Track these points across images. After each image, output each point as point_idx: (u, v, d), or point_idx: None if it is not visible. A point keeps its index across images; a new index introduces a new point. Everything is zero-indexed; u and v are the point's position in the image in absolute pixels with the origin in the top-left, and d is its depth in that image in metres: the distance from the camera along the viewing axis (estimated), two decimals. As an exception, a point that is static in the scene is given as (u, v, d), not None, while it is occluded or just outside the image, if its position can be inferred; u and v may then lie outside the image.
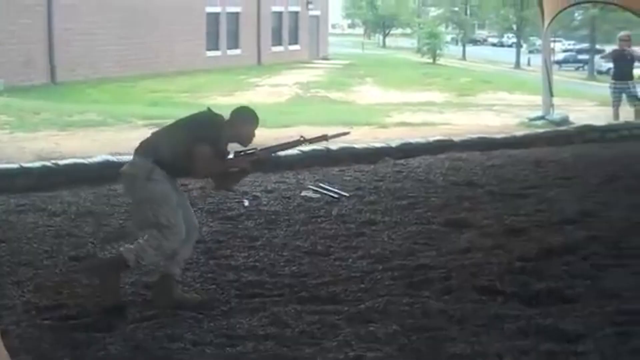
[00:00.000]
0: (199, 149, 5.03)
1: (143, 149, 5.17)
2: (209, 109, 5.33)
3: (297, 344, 4.52)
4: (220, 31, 37.62)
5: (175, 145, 5.08)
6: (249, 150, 5.34)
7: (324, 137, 5.48)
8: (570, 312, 4.95)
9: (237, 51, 38.71)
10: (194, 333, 4.69)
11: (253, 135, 5.30)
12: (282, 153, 5.76)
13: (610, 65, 17.76)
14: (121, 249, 5.29)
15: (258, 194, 8.44)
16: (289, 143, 5.53)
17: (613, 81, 14.66)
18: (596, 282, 5.54)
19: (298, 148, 10.05)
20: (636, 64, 15.34)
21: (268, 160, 5.52)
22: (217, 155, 5.15)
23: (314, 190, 8.60)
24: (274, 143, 5.58)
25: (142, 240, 5.11)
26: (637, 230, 6.92)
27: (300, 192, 8.54)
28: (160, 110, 16.39)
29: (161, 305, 5.09)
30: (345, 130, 7.17)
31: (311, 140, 5.57)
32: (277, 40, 42.77)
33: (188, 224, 5.22)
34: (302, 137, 5.53)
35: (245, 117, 5.33)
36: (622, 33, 15.64)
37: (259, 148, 5.35)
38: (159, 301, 5.16)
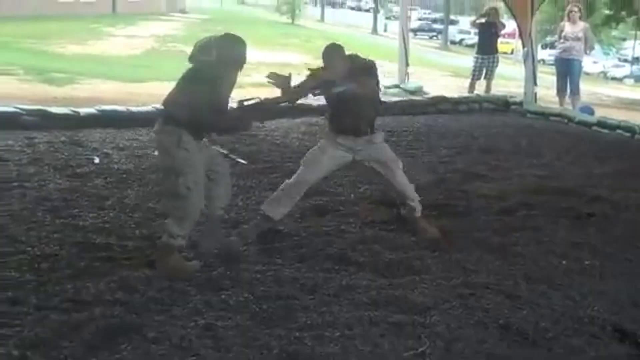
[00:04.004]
0: None
1: None
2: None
3: (145, 310, 4.40)
4: (74, -24, 36.15)
5: None
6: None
7: None
8: (419, 284, 5.05)
9: (92, -2, 37.37)
10: (38, 297, 4.48)
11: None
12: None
13: (463, 35, 18.10)
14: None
15: (109, 151, 8.19)
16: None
17: (477, 55, 14.87)
18: (443, 255, 5.67)
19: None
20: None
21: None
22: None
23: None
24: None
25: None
26: (484, 203, 7.14)
27: (154, 151, 8.30)
28: (3, 56, 15.58)
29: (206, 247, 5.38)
30: None
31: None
32: (134, -11, 41.56)
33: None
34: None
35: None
36: (489, 6, 15.89)
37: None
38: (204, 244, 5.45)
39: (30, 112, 9.12)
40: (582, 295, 5.01)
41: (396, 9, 39.78)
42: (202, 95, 4.93)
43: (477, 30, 15.84)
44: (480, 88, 14.66)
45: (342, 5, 77.66)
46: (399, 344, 4.15)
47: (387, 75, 16.22)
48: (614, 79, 41.57)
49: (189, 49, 5.32)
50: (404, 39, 15.32)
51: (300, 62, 23.52)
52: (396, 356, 4.02)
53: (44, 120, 9.05)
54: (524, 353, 4.12)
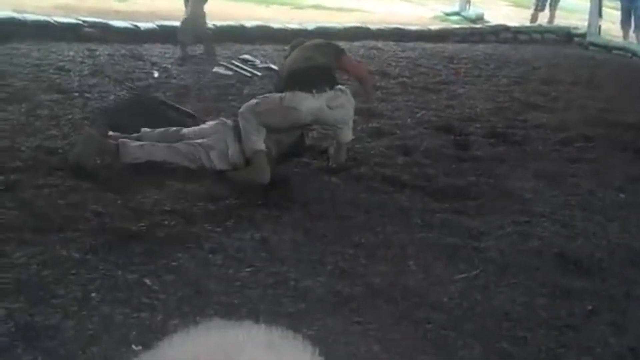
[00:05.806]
0: None
1: None
2: None
3: (203, 222, 4.47)
4: None
5: None
6: None
7: None
8: (473, 209, 5.05)
9: None
10: (98, 204, 4.56)
11: None
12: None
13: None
14: None
15: (168, 65, 8.22)
16: None
17: None
18: (500, 182, 5.64)
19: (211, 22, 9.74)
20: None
21: None
22: None
23: (226, 67, 8.40)
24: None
25: None
26: (542, 133, 7.06)
27: (213, 68, 8.34)
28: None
29: None
30: None
31: None
32: None
33: None
34: None
35: None
36: None
37: None
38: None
39: (91, 25, 9.17)
40: (638, 228, 4.97)
41: None
42: None
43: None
44: (542, 20, 14.36)
45: None
46: (452, 266, 4.17)
47: (448, 2, 15.97)
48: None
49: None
50: (467, -36, 15.02)
51: None
52: (448, 278, 4.05)
53: (105, 33, 9.10)
54: (578, 282, 4.10)
